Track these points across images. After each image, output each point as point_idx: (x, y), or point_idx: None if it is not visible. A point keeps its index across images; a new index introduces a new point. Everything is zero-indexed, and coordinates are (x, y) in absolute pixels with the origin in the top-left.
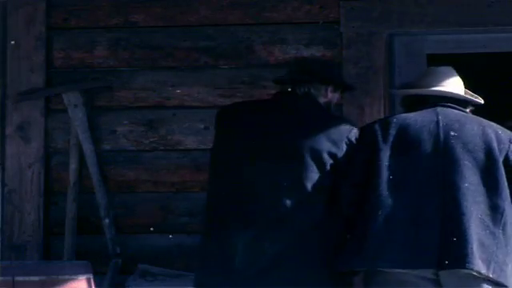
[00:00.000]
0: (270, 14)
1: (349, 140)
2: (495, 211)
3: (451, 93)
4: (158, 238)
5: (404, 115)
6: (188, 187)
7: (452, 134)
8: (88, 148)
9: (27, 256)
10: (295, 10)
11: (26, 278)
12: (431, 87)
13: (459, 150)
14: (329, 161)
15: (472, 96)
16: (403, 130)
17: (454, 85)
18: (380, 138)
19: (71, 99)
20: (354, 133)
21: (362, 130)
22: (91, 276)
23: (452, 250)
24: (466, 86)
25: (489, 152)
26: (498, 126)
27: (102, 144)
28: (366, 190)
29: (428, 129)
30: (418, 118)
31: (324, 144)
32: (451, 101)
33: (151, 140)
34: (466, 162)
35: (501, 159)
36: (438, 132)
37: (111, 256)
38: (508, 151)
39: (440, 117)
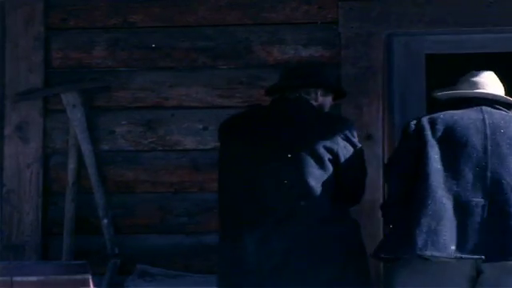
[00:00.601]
0: (268, 15)
1: (344, 135)
2: None
3: (495, 95)
4: (157, 238)
5: (450, 112)
6: (187, 187)
7: (498, 131)
8: (86, 148)
9: (26, 256)
10: (293, 10)
11: (25, 278)
12: (475, 89)
13: (505, 146)
14: (326, 155)
15: None
16: (451, 125)
17: (496, 88)
18: (428, 132)
19: (70, 99)
20: (347, 126)
21: (407, 125)
22: (90, 276)
23: (501, 242)
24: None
25: None
26: None
27: (100, 144)
28: (414, 180)
29: (475, 125)
30: (464, 116)
31: (320, 140)
32: (494, 102)
33: (150, 140)
34: (511, 158)
35: None
36: (485, 129)
37: (110, 256)
38: None
39: (486, 115)
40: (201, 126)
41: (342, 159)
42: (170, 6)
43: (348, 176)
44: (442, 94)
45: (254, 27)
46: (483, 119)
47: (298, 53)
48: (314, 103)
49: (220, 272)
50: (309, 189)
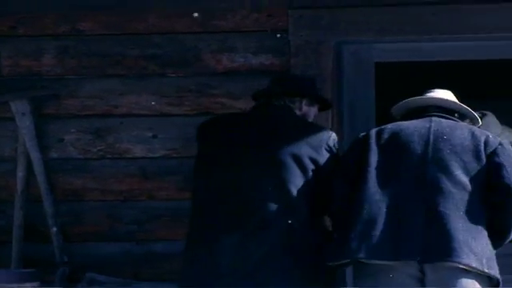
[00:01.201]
0: (218, 22)
1: (328, 146)
2: (481, 210)
3: (443, 99)
4: (106, 246)
5: (399, 122)
6: (136, 195)
7: (441, 137)
8: (35, 156)
9: None
10: (243, 18)
11: None
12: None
13: (446, 152)
14: (310, 165)
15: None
16: (396, 134)
17: (449, 98)
18: (373, 140)
19: (19, 107)
20: (332, 139)
21: (357, 137)
22: (38, 284)
23: (437, 243)
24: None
25: (476, 154)
26: (490, 133)
27: (49, 152)
28: (355, 187)
29: (419, 133)
30: (410, 125)
31: (304, 150)
32: (446, 112)
33: (99, 148)
34: (454, 163)
35: (485, 160)
36: (429, 135)
37: (59, 264)
38: (493, 152)
39: (433, 123)
40: (150, 134)
41: (323, 170)
42: (119, 14)
43: (327, 186)
44: (394, 107)
45: (203, 35)
46: (429, 127)
47: (247, 61)
48: (298, 112)
49: (190, 274)
50: (290, 197)
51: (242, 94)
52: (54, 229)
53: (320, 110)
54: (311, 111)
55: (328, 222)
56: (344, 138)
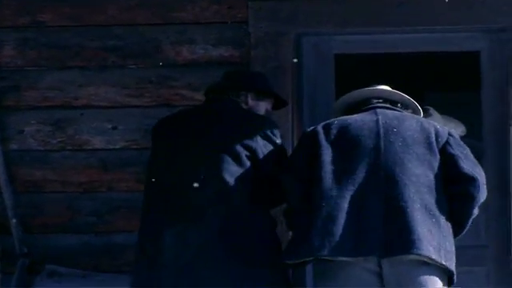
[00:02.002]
0: (178, 14)
1: (264, 133)
2: (439, 201)
3: (385, 90)
4: (66, 237)
5: (345, 117)
6: (95, 187)
7: (391, 129)
8: None
9: None
10: (203, 9)
11: None
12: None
13: (398, 144)
14: (243, 152)
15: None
16: (344, 128)
17: (389, 89)
18: (322, 137)
19: None
20: (268, 126)
21: (304, 133)
22: None
23: (398, 237)
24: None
25: (428, 145)
26: (436, 123)
27: (9, 144)
28: (310, 184)
29: (368, 126)
30: (358, 119)
31: (238, 137)
32: (388, 103)
33: (59, 140)
34: (407, 155)
35: (438, 151)
36: (378, 129)
37: (18, 256)
38: (446, 143)
39: (379, 116)
40: (110, 126)
41: (261, 157)
42: (79, 6)
43: (267, 173)
44: (335, 104)
45: (163, 27)
46: (377, 120)
47: (207, 52)
48: (245, 106)
49: (136, 266)
50: (224, 184)
51: (202, 86)
52: (14, 220)
53: (278, 106)
54: (260, 106)
55: (279, 215)
56: (304, 130)
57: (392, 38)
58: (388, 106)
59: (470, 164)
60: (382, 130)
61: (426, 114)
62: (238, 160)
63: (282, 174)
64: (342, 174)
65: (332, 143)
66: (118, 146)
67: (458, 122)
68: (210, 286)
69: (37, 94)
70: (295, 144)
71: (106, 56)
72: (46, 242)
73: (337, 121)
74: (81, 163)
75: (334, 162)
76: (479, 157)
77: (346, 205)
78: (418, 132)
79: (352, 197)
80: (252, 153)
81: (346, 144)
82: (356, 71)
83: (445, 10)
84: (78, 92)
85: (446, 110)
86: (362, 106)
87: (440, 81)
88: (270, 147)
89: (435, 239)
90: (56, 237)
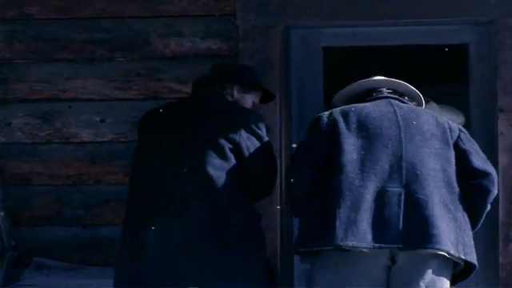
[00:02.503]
0: (165, 7)
1: (248, 126)
2: (455, 196)
3: (396, 82)
4: (54, 230)
5: (360, 105)
6: (83, 180)
7: (411, 122)
8: None
9: None
10: (191, 2)
11: None
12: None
13: (418, 138)
14: (227, 145)
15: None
16: (364, 117)
17: (396, 80)
18: (342, 124)
19: None
20: (253, 119)
21: (318, 118)
22: None
23: (418, 231)
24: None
25: (445, 140)
26: (446, 118)
27: None
28: (329, 172)
29: (388, 117)
30: (375, 109)
31: (222, 131)
32: (397, 94)
33: (46, 132)
34: (426, 149)
35: (452, 146)
36: (398, 121)
37: (6, 249)
38: (458, 138)
39: (396, 108)
40: (98, 119)
41: (245, 150)
42: None
43: (252, 167)
44: (338, 94)
45: (151, 19)
46: (394, 111)
47: (195, 45)
48: (230, 98)
49: (119, 259)
50: (207, 177)
51: (190, 79)
52: (2, 213)
53: (265, 100)
54: (246, 98)
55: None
56: (292, 123)
57: (380, 30)
58: (398, 97)
59: (481, 159)
60: (401, 123)
61: (427, 105)
62: (221, 153)
63: (295, 157)
64: (365, 164)
65: (353, 131)
66: (106, 139)
67: (458, 112)
68: (193, 279)
69: (24, 87)
70: (309, 129)
71: (93, 49)
72: (33, 235)
73: (354, 108)
74: (69, 156)
75: (357, 151)
76: None
77: (369, 195)
78: (435, 127)
79: (374, 187)
80: (236, 146)
81: (368, 133)
82: (344, 64)
83: (433, 3)
84: (65, 85)
85: (435, 102)
86: (368, 95)
87: (428, 73)
88: (255, 140)
89: (453, 234)
90: (44, 230)
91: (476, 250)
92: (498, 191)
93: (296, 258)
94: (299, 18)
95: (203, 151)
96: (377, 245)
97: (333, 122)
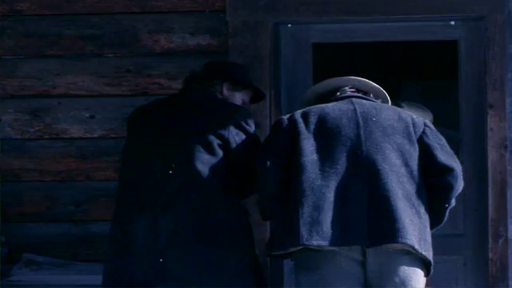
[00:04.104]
0: (155, 3)
1: (236, 121)
2: (418, 191)
3: (360, 81)
4: (44, 226)
5: (320, 106)
6: (73, 176)
7: (370, 119)
8: None
9: None
10: None
11: None
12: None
13: (379, 134)
14: (215, 141)
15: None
16: (323, 117)
17: (360, 78)
18: (302, 125)
19: None
20: (241, 114)
21: (280, 120)
22: None
23: (383, 226)
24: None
25: (407, 135)
26: (411, 113)
27: None
28: (288, 172)
29: (346, 115)
30: (335, 108)
31: (211, 126)
32: (361, 93)
33: (36, 129)
34: (387, 145)
35: (416, 141)
36: (357, 118)
37: None
38: (422, 133)
39: (356, 105)
40: (87, 115)
41: (234, 146)
42: None
43: (241, 163)
44: (306, 92)
45: (140, 15)
46: (354, 109)
47: (185, 41)
48: (220, 96)
49: (108, 255)
50: (195, 173)
51: (180, 75)
52: None
53: (256, 100)
54: (235, 96)
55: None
56: None
57: (370, 27)
58: (361, 95)
59: (446, 155)
60: (360, 120)
61: (394, 103)
62: (209, 149)
63: (260, 159)
64: (325, 164)
65: (312, 132)
66: (95, 135)
67: (426, 110)
68: (181, 276)
69: (14, 83)
70: (270, 131)
71: (83, 45)
72: (24, 231)
73: (314, 109)
74: (58, 152)
75: (316, 151)
76: (456, 147)
77: (330, 194)
78: (397, 122)
79: (336, 186)
80: (224, 142)
81: (326, 133)
82: (334, 60)
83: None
84: (55, 81)
85: (423, 99)
86: (333, 95)
87: (418, 69)
88: (243, 136)
89: (416, 229)
90: (34, 226)
91: (466, 246)
92: (488, 187)
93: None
94: (289, 14)
95: (191, 147)
96: (343, 242)
97: (293, 123)
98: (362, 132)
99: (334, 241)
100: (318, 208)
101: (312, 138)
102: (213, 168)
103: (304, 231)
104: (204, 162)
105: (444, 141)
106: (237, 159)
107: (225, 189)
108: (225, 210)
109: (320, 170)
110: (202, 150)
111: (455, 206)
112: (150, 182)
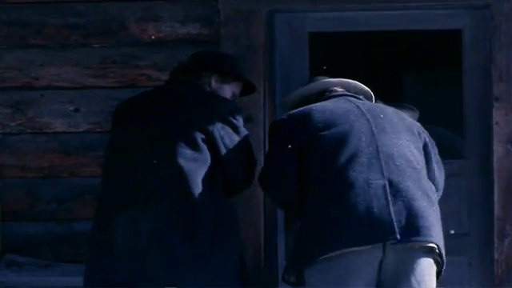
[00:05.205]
0: None
1: (223, 116)
2: (431, 189)
3: (351, 82)
4: (26, 225)
5: (319, 104)
6: (57, 172)
7: (378, 116)
8: None
9: None
10: None
11: None
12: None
13: (390, 130)
14: (199, 135)
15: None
16: (329, 115)
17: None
18: (312, 127)
19: None
20: (227, 108)
21: (279, 123)
22: None
23: (411, 223)
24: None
25: (413, 134)
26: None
27: None
28: (305, 178)
29: (353, 112)
30: (335, 105)
31: (195, 121)
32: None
33: (18, 122)
34: (400, 141)
35: (422, 146)
36: (365, 114)
37: None
38: (425, 140)
39: (357, 103)
40: (72, 108)
41: (219, 140)
42: None
43: (227, 158)
44: (290, 96)
45: (128, 3)
46: (357, 106)
47: (174, 30)
48: (208, 88)
49: (89, 256)
50: (178, 169)
51: (169, 66)
52: None
53: (246, 92)
54: (224, 89)
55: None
56: (277, 112)
57: (369, 15)
58: (354, 95)
59: (437, 167)
60: (369, 116)
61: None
62: (193, 144)
63: (270, 176)
64: (342, 161)
65: (322, 131)
66: (80, 129)
67: (414, 110)
68: (163, 277)
69: None
70: (272, 133)
71: (67, 34)
72: (4, 231)
73: (314, 107)
74: (41, 147)
75: (331, 149)
76: (458, 149)
77: (352, 192)
78: (401, 121)
79: (357, 182)
80: (208, 136)
81: (338, 130)
82: (331, 50)
83: None
84: (38, 72)
85: (424, 91)
86: (321, 97)
87: (418, 60)
88: (229, 130)
89: (438, 228)
90: (15, 225)
91: (470, 246)
92: (493, 184)
93: (280, 255)
94: (284, 1)
95: (174, 142)
96: (370, 241)
97: (296, 125)
98: (373, 128)
99: (362, 239)
100: (340, 211)
101: (323, 138)
102: (196, 164)
103: (331, 237)
104: (187, 158)
105: (436, 150)
106: (223, 154)
107: (209, 186)
108: (209, 208)
109: (338, 169)
110: (184, 145)
111: (460, 204)
112: (132, 179)
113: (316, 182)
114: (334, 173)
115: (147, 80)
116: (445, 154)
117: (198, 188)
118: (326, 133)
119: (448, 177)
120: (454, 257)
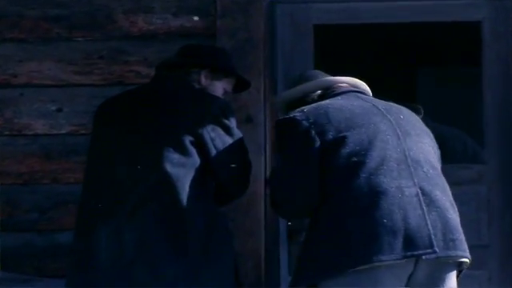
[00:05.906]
0: None
1: (214, 116)
2: (451, 194)
3: (356, 81)
4: (4, 237)
5: (332, 101)
6: (37, 178)
7: (398, 116)
8: None
9: None
10: None
11: None
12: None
13: (413, 132)
14: (188, 138)
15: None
16: (347, 114)
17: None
18: (331, 127)
19: None
20: (218, 108)
21: (294, 123)
22: None
23: (447, 235)
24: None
25: (430, 137)
26: None
27: None
28: (327, 182)
29: (371, 111)
30: (349, 103)
31: (182, 120)
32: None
33: None
34: (423, 145)
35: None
36: (384, 115)
37: None
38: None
39: (372, 102)
40: (54, 108)
41: (209, 143)
42: None
43: (218, 163)
44: (282, 96)
45: None
46: (374, 105)
47: (166, 23)
48: (197, 85)
49: (70, 269)
50: (164, 175)
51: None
52: None
53: (240, 88)
54: (215, 86)
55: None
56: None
57: (380, 6)
58: (361, 90)
59: None
60: (389, 117)
61: None
62: (181, 147)
63: (290, 179)
64: (369, 165)
65: (343, 131)
66: (63, 131)
67: (416, 110)
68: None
69: None
70: (286, 132)
71: (48, 27)
72: None
73: (329, 105)
74: (20, 151)
75: (355, 152)
76: (476, 153)
77: (383, 199)
78: (419, 123)
79: (389, 189)
80: (197, 138)
81: (361, 131)
82: (338, 45)
83: None
84: (16, 69)
85: (440, 89)
86: (325, 94)
87: (434, 55)
88: (221, 132)
89: (465, 240)
90: None
91: (490, 259)
92: None
93: (282, 268)
94: None
95: (160, 145)
96: (408, 253)
97: (315, 122)
98: (398, 130)
99: (398, 252)
100: (372, 220)
101: (347, 140)
102: (185, 169)
103: (367, 249)
104: (174, 163)
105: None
106: (214, 158)
107: (199, 193)
108: (198, 216)
109: (366, 174)
110: (171, 149)
111: (478, 214)
112: (114, 187)
113: (340, 187)
114: (363, 178)
115: (136, 77)
116: (462, 159)
117: (186, 196)
118: (349, 133)
119: (466, 183)
120: (472, 271)
